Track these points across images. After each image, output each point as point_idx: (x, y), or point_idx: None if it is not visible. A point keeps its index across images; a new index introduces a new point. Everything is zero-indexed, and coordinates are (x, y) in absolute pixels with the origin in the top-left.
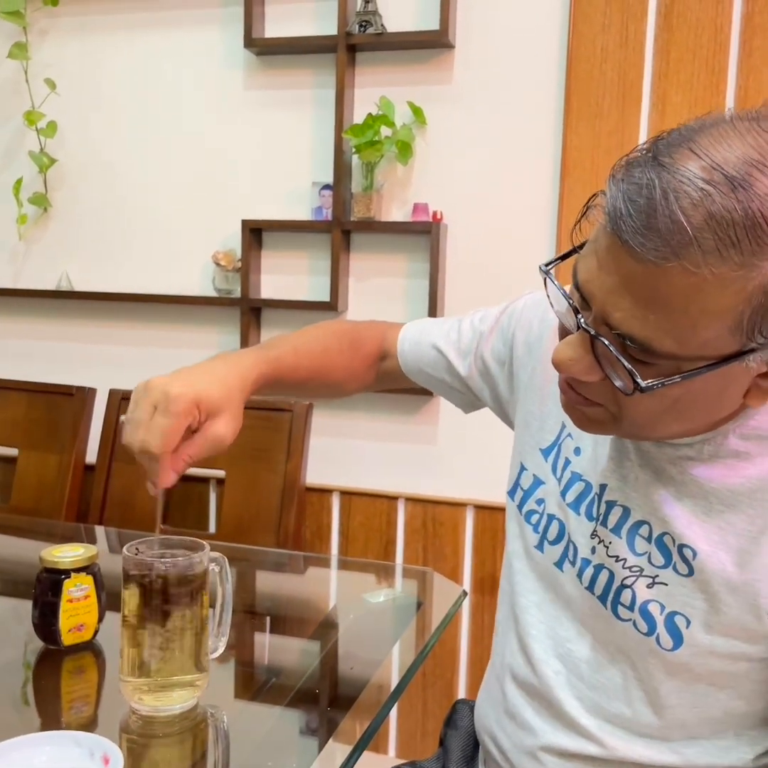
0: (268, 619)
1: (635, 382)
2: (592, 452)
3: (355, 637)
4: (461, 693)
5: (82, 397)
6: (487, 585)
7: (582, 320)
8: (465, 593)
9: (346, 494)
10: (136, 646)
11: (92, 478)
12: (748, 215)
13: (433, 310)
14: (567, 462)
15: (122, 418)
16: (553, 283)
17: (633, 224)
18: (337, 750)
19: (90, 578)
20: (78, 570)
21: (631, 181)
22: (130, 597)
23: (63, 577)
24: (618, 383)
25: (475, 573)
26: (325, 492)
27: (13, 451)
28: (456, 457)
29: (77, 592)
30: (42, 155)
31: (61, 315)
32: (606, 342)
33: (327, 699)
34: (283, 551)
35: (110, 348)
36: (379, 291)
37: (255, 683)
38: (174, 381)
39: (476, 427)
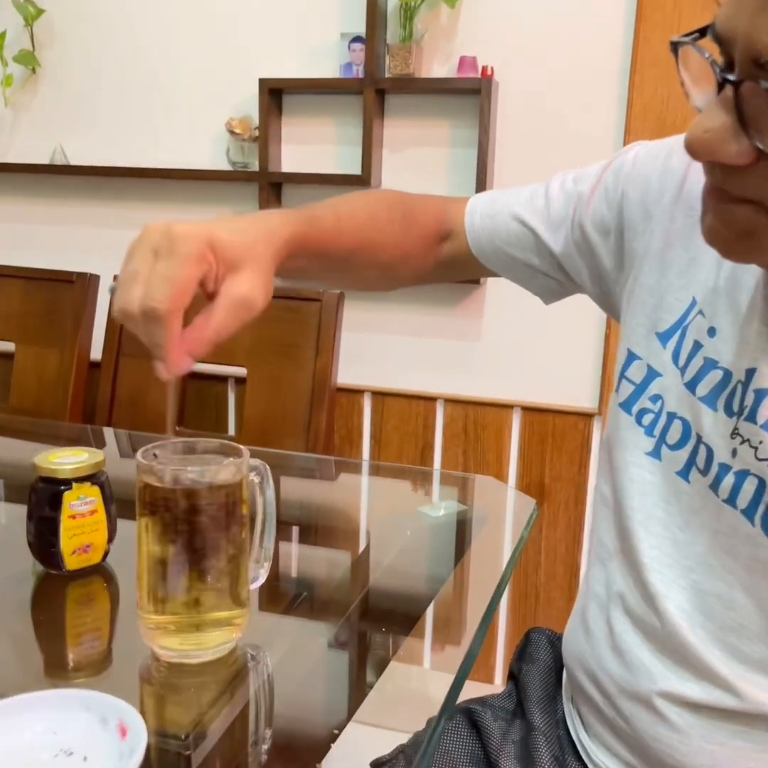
0: (315, 529)
1: None
2: (733, 330)
3: (412, 555)
4: (503, 611)
5: (83, 284)
6: (534, 495)
7: (719, 72)
8: (537, 507)
9: (378, 395)
10: (158, 577)
11: (98, 376)
12: None
13: (481, 186)
14: (697, 346)
15: (111, 284)
16: (694, 46)
17: None
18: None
19: (96, 489)
20: (81, 479)
21: None
22: (148, 517)
23: (63, 488)
24: None
25: (521, 481)
26: (355, 392)
27: (9, 346)
28: (502, 354)
29: (81, 507)
30: (27, 4)
31: (55, 193)
32: (758, 84)
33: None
34: (314, 456)
35: (113, 230)
36: (419, 162)
37: (292, 604)
38: (179, 222)
39: (525, 319)
